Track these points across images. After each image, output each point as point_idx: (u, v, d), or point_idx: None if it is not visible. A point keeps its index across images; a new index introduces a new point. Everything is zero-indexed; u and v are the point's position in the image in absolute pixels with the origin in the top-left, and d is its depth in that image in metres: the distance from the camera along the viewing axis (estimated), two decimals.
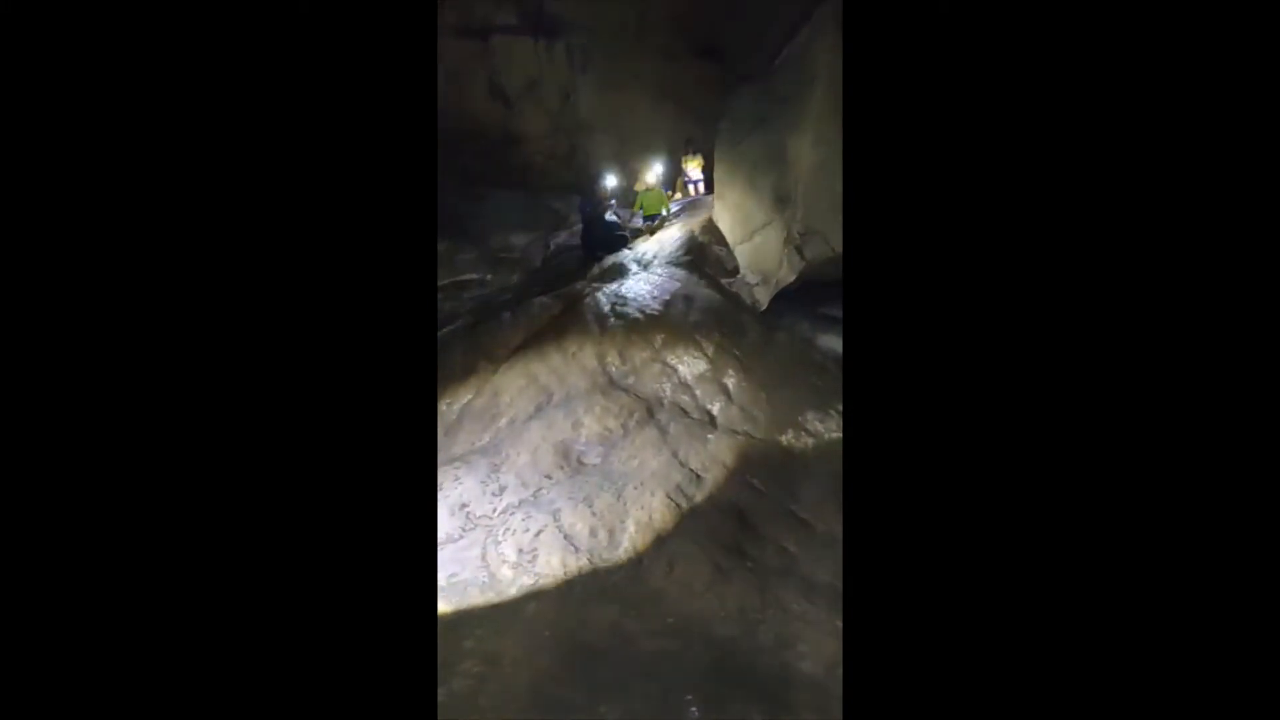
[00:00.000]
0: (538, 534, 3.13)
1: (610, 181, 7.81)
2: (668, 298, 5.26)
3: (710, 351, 4.71)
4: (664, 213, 6.93)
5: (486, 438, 4.20)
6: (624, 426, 4.03)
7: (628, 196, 7.66)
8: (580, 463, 3.80)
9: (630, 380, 4.48)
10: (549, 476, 3.69)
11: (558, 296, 5.58)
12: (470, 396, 4.60)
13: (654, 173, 8.01)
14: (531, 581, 2.82)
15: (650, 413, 4.15)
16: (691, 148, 8.70)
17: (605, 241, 6.55)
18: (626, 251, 6.30)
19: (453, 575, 2.89)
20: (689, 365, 4.62)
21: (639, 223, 6.97)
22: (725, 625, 2.53)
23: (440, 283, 6.68)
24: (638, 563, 2.91)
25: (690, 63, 9.39)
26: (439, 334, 5.58)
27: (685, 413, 4.22)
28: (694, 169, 8.65)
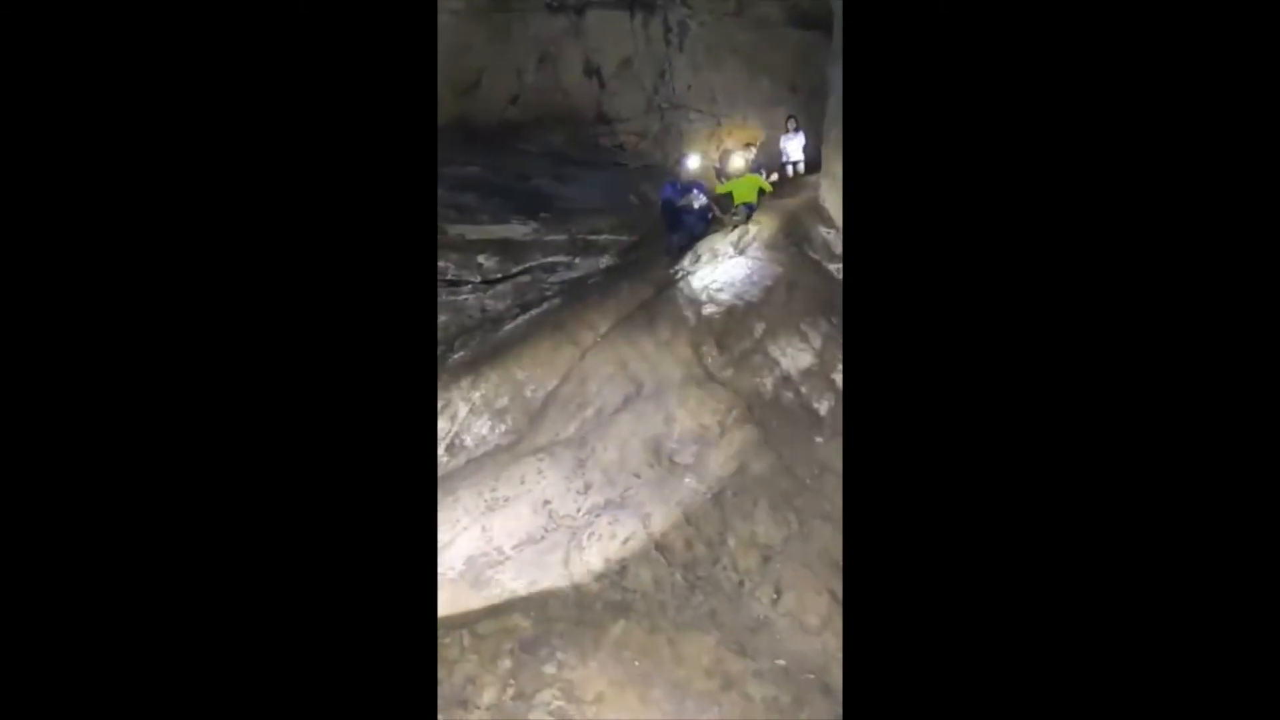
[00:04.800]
0: (626, 541, 2.81)
1: (694, 163, 7.20)
2: (769, 283, 4.80)
3: (817, 344, 4.24)
4: (757, 201, 6.25)
5: (572, 428, 3.93)
6: (720, 424, 3.64)
7: (713, 179, 7.04)
8: (672, 462, 3.45)
9: (728, 373, 4.08)
10: (638, 475, 3.36)
11: (648, 281, 5.23)
12: (556, 383, 4.34)
13: (745, 156, 7.31)
14: (619, 597, 2.51)
15: (750, 409, 3.74)
16: (792, 125, 8.07)
17: (689, 230, 6.01)
18: (718, 236, 5.81)
19: (533, 581, 2.61)
20: (792, 358, 4.17)
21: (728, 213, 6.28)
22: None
23: (527, 264, 6.51)
24: (740, 585, 2.54)
25: (791, 34, 8.79)
26: (527, 316, 5.40)
27: (789, 411, 3.78)
28: (794, 148, 8.02)
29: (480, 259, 6.40)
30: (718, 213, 6.15)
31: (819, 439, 3.53)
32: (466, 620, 2.33)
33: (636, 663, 2.19)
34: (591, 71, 8.92)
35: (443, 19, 7.69)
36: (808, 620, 2.34)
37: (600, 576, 2.62)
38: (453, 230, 6.45)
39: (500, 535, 2.94)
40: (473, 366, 4.56)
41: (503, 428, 4.11)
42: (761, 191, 6.29)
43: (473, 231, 6.65)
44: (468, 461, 3.92)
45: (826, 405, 3.85)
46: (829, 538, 2.75)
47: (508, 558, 2.81)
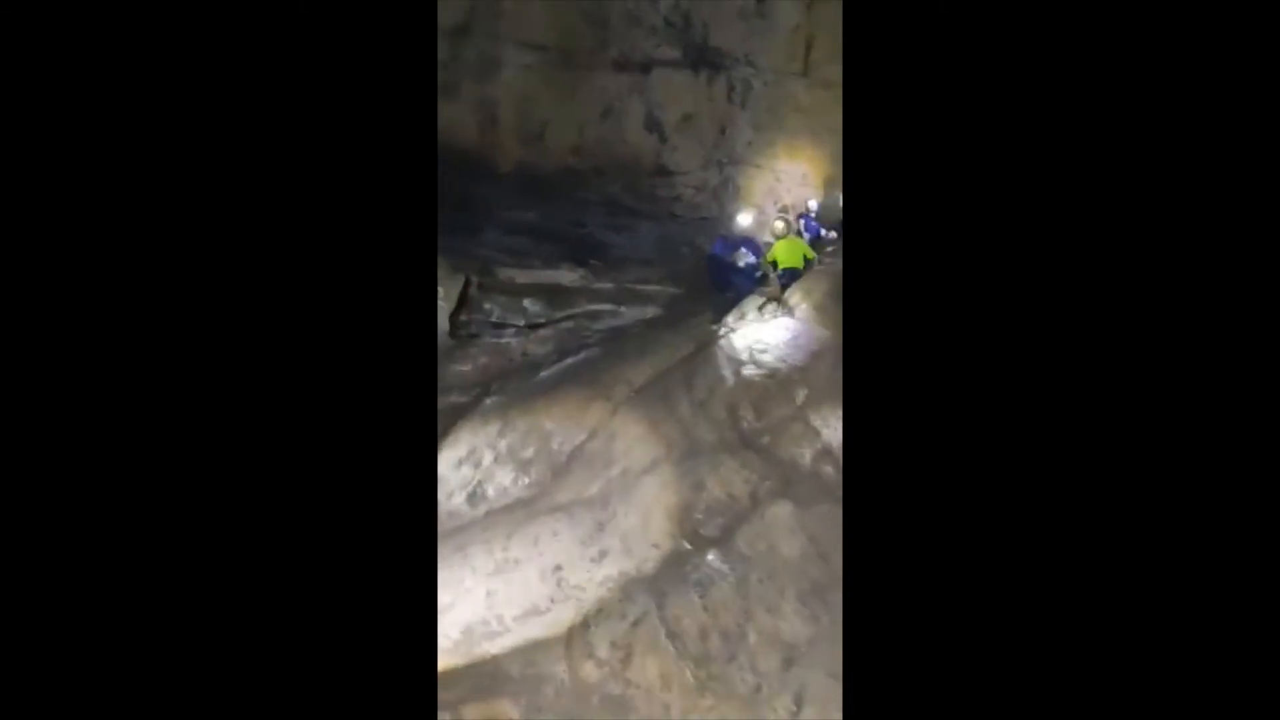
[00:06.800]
0: (635, 623, 2.57)
1: (747, 219, 6.97)
2: (815, 348, 4.55)
3: None
4: (802, 267, 5.69)
5: (595, 488, 3.74)
6: (752, 496, 3.39)
7: (760, 236, 6.75)
8: (697, 534, 3.21)
9: (765, 440, 3.84)
10: (657, 546, 3.14)
11: (690, 335, 5.07)
12: (584, 438, 4.18)
13: (785, 218, 6.84)
14: (620, 691, 2.27)
15: (786, 482, 3.48)
16: None
17: (738, 289, 5.75)
18: (762, 297, 5.51)
19: (530, 662, 2.40)
20: (836, 429, 3.88)
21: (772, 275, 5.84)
22: None
23: (572, 311, 6.46)
24: (756, 691, 2.26)
25: None
26: (562, 364, 5.30)
27: (828, 489, 3.49)
28: None
29: (526, 303, 6.38)
30: (769, 271, 5.95)
31: None
32: (450, 701, 2.13)
33: None
34: (653, 126, 9.04)
35: (511, 73, 8.00)
36: None
37: (603, 663, 2.39)
38: (502, 273, 6.47)
39: (503, 602, 2.75)
40: (503, 412, 4.46)
41: (525, 480, 3.96)
42: (807, 260, 5.94)
43: (522, 275, 6.65)
44: (486, 513, 3.77)
45: None
46: None
47: (508, 629, 2.62)
